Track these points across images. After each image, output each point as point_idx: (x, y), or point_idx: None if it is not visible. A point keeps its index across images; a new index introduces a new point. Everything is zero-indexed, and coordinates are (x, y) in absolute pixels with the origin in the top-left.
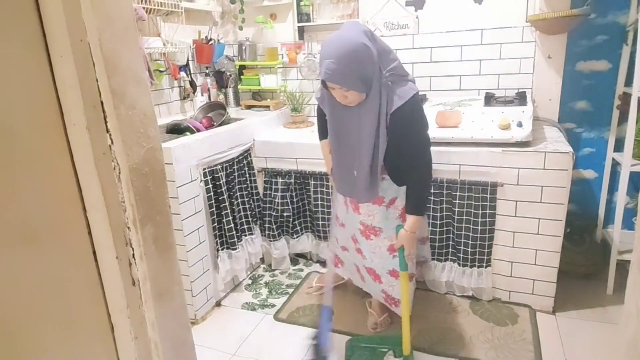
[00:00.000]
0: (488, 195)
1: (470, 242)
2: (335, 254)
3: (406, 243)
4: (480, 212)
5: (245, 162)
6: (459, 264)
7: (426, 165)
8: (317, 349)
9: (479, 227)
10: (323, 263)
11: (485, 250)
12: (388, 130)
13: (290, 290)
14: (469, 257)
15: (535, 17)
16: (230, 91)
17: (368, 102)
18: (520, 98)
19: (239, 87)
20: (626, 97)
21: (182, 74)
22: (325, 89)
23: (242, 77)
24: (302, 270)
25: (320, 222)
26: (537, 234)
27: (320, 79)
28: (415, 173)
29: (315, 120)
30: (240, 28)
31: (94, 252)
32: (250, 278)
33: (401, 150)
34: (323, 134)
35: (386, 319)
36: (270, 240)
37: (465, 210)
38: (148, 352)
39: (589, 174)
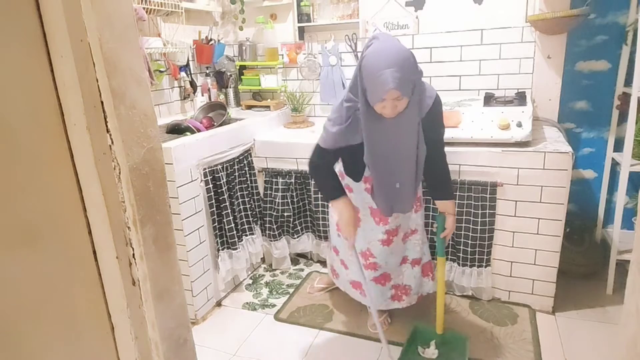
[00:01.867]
0: (488, 195)
1: (470, 241)
2: (332, 266)
3: (454, 227)
4: (480, 212)
5: (245, 162)
6: (458, 264)
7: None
8: None
9: (479, 227)
10: (323, 263)
11: (485, 250)
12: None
13: (291, 290)
14: (469, 256)
15: (535, 17)
16: (230, 91)
17: (408, 108)
18: (520, 98)
19: (239, 87)
20: (626, 97)
21: (183, 74)
22: (367, 107)
23: (242, 77)
24: (302, 270)
25: (321, 222)
26: (537, 233)
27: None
28: (444, 162)
29: (315, 120)
30: (241, 28)
31: (94, 252)
32: (250, 278)
33: (428, 145)
34: (340, 188)
35: (386, 319)
36: (271, 240)
37: (465, 210)
38: (148, 352)
39: (589, 173)
